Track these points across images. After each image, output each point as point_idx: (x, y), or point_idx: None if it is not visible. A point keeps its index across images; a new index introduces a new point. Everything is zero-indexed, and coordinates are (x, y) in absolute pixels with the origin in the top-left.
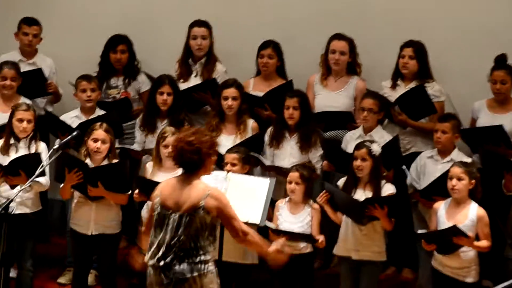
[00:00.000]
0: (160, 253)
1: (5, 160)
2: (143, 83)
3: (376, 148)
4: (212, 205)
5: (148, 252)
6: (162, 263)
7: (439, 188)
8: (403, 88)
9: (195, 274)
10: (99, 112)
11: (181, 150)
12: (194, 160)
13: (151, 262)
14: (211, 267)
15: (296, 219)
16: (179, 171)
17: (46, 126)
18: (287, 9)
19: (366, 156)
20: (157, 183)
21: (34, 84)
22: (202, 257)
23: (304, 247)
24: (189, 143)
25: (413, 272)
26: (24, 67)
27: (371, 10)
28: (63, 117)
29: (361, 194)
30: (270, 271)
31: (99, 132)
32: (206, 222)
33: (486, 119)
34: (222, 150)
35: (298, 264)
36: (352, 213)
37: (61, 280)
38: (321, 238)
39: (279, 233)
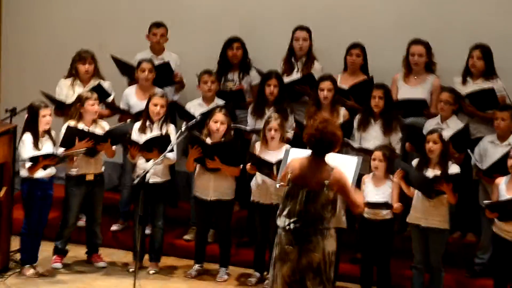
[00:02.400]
0: (292, 219)
1: (141, 138)
2: (254, 78)
3: (446, 134)
4: (334, 183)
5: (279, 216)
6: (292, 226)
7: (500, 168)
8: (471, 84)
9: (319, 237)
10: (218, 101)
11: (320, 138)
12: (330, 146)
13: (282, 225)
14: (332, 231)
15: (378, 191)
16: (282, 150)
17: (174, 112)
18: (371, 17)
19: (437, 139)
20: (264, 160)
21: (163, 75)
22: (325, 225)
23: (386, 214)
24: (333, 134)
25: (476, 236)
26: (154, 62)
27: (443, 16)
28: (188, 104)
29: (431, 173)
30: (357, 234)
31: (219, 115)
32: (329, 197)
33: None
34: None
35: (380, 228)
36: (423, 188)
37: (186, 237)
38: (396, 205)
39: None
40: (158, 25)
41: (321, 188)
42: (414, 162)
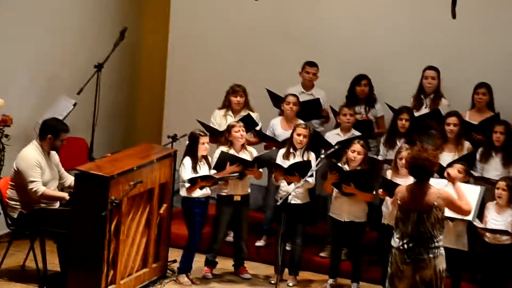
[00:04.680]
0: (404, 240)
1: (285, 164)
2: (378, 110)
3: None
4: (442, 204)
5: (393, 238)
6: (406, 246)
7: None
8: None
9: (431, 255)
10: (354, 131)
11: (415, 164)
12: (429, 172)
13: (396, 245)
14: (442, 250)
15: (501, 218)
16: (411, 178)
17: (316, 141)
18: (496, 55)
19: None
20: (396, 184)
21: (311, 109)
22: (436, 244)
23: (505, 239)
24: (426, 159)
25: None
26: (304, 97)
27: None
28: (328, 133)
29: None
30: (478, 256)
31: (357, 146)
32: (438, 217)
33: None
34: (444, 164)
35: (500, 252)
36: None
37: (322, 254)
38: None
39: (484, 229)
40: (311, 64)
41: (430, 209)
42: None
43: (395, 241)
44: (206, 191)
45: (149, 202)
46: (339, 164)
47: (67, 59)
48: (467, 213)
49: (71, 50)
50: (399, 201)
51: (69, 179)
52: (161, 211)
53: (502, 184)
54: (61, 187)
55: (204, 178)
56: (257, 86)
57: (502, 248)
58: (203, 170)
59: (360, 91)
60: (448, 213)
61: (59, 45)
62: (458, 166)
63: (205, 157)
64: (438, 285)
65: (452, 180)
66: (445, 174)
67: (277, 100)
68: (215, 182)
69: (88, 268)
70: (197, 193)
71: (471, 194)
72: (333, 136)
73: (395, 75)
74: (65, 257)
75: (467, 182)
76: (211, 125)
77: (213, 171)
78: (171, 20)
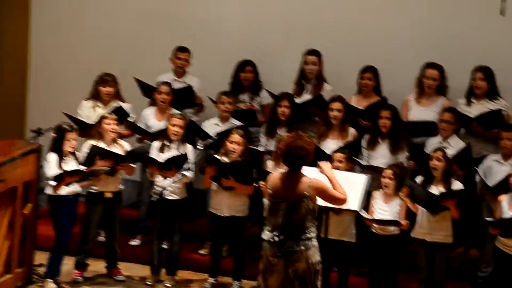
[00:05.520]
0: (275, 232)
1: (160, 157)
2: (264, 98)
3: (451, 152)
4: (313, 194)
5: (264, 230)
6: (276, 239)
7: (505, 186)
8: (476, 104)
9: (302, 248)
10: (233, 120)
11: (288, 152)
12: (303, 161)
13: (266, 238)
14: (314, 242)
15: (388, 207)
16: None
17: (193, 132)
18: (383, 38)
19: (441, 157)
20: None
21: (184, 98)
22: (307, 235)
23: (393, 230)
24: (301, 148)
25: (479, 251)
26: (177, 85)
27: (451, 38)
28: (205, 123)
29: (435, 190)
30: (365, 248)
31: (236, 136)
32: (309, 207)
33: None
34: (328, 152)
35: (388, 243)
36: (428, 205)
37: (202, 251)
38: (404, 222)
39: (371, 220)
40: (182, 49)
41: (301, 199)
42: (418, 179)
43: (265, 234)
44: (75, 188)
45: (11, 202)
46: (218, 156)
47: None
48: (342, 202)
49: None
50: (270, 191)
51: None
52: (26, 211)
53: (388, 172)
54: None
55: (71, 173)
56: (127, 75)
57: (389, 239)
58: (70, 165)
59: (244, 78)
60: (322, 202)
61: None
62: (338, 156)
63: (72, 153)
64: (312, 279)
65: (322, 171)
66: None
67: (147, 90)
68: (84, 178)
69: None
70: (64, 190)
71: (355, 182)
72: (211, 126)
73: (281, 61)
74: None
75: (351, 170)
76: (79, 117)
77: (82, 167)
78: (32, 4)
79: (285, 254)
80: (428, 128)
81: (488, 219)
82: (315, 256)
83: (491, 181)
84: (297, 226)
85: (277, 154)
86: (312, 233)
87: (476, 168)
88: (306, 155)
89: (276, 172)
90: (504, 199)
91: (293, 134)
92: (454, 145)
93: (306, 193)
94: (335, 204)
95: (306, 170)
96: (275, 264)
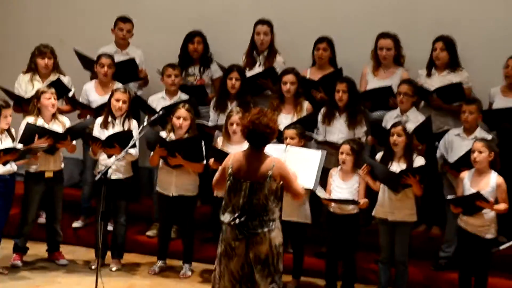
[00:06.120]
0: (236, 214)
1: (103, 134)
2: (215, 71)
3: (410, 126)
4: (277, 174)
5: (223, 212)
6: (237, 221)
7: (466, 162)
8: (437, 76)
9: (265, 229)
10: (181, 94)
11: (253, 130)
12: (265, 138)
13: (227, 221)
14: (277, 223)
15: (346, 185)
16: (244, 144)
17: (137, 107)
18: (337, 8)
19: (401, 132)
20: (227, 154)
21: (127, 71)
22: (270, 216)
23: (352, 209)
24: (266, 126)
25: (440, 229)
26: (119, 57)
27: (409, 8)
28: (151, 97)
29: (396, 166)
30: (322, 228)
31: (182, 111)
32: (272, 188)
33: (500, 102)
34: (281, 127)
35: (346, 222)
36: (389, 182)
37: (149, 233)
38: (362, 201)
39: (328, 200)
40: (124, 19)
41: (264, 179)
42: (379, 155)
43: (225, 216)
44: (11, 167)
45: None
46: (165, 133)
47: None
48: (299, 197)
49: None
50: (230, 170)
51: None
52: None
53: (346, 147)
54: None
55: (7, 151)
56: (67, 47)
57: (348, 218)
58: (6, 143)
59: (193, 50)
60: None
61: None
62: (289, 132)
63: (7, 130)
64: (275, 262)
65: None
66: None
67: (87, 62)
68: (21, 156)
69: None
70: (0, 169)
71: (310, 159)
72: (158, 101)
73: (232, 33)
74: None
75: (304, 147)
76: (16, 91)
77: (19, 146)
78: None
79: (247, 236)
80: (384, 96)
81: (449, 197)
82: (279, 238)
83: (453, 157)
84: (259, 207)
85: (227, 130)
86: (275, 214)
87: (437, 143)
88: (271, 133)
89: (226, 148)
90: (466, 176)
91: (258, 111)
92: (413, 119)
93: (270, 173)
94: (292, 194)
95: (270, 147)
96: (236, 248)
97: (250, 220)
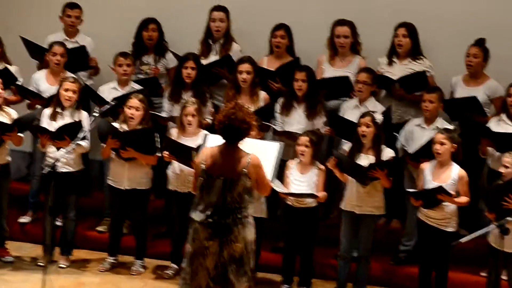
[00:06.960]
0: (209, 212)
1: (52, 126)
2: (170, 61)
3: (379, 117)
4: (252, 171)
5: (195, 210)
6: (210, 220)
7: (427, 152)
8: (398, 64)
9: (239, 226)
10: (133, 84)
11: (229, 125)
12: (241, 133)
13: (199, 219)
14: (250, 219)
15: (304, 178)
16: (199, 136)
17: (88, 97)
18: None
19: (370, 123)
20: (181, 145)
21: (77, 60)
22: (244, 213)
23: (310, 202)
24: (243, 121)
25: (400, 223)
26: (68, 45)
27: None
28: (102, 87)
29: (365, 158)
30: (281, 222)
31: (135, 101)
32: (246, 185)
33: (462, 92)
34: None
35: (305, 215)
36: (357, 176)
37: (100, 228)
38: (321, 194)
39: (286, 193)
40: (72, 5)
41: (238, 176)
42: (346, 147)
43: (196, 214)
44: None
45: None
46: (117, 124)
47: None
48: (267, 192)
49: None
50: (203, 166)
51: None
52: None
53: (304, 139)
54: None
55: None
56: (14, 34)
57: (306, 212)
58: None
59: (148, 38)
60: None
61: None
62: None
63: None
64: (249, 260)
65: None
66: None
67: (35, 50)
68: None
69: None
70: None
71: (267, 151)
72: (109, 91)
73: (188, 20)
74: None
75: (261, 139)
76: None
77: None
78: None
79: (220, 235)
80: (341, 86)
81: (409, 190)
82: (252, 234)
83: (413, 148)
84: (233, 204)
85: (182, 121)
86: (248, 210)
87: (396, 134)
88: (246, 128)
89: (180, 140)
90: (426, 167)
91: (233, 105)
92: (372, 108)
93: (244, 170)
94: (261, 188)
95: (249, 143)
96: (209, 247)
97: (224, 218)
